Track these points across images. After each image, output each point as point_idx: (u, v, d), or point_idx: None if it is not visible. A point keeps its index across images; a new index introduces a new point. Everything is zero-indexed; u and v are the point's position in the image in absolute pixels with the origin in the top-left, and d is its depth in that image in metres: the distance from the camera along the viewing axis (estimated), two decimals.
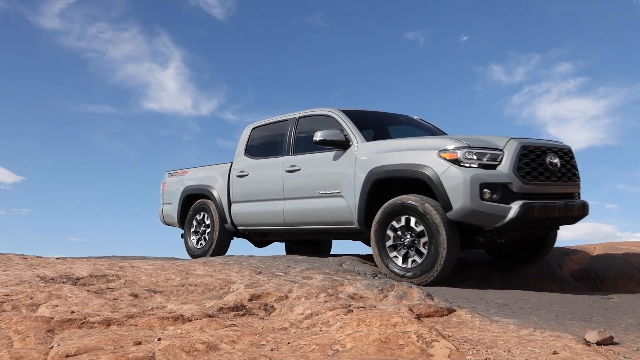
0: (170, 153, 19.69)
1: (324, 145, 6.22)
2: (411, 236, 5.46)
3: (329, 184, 6.29)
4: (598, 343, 3.17)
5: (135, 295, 4.17)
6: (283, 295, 4.17)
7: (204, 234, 8.01)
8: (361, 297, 4.17)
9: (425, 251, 5.30)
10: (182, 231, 8.51)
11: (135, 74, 19.36)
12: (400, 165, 5.57)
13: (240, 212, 7.50)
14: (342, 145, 6.19)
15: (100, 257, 7.51)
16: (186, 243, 8.27)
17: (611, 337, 3.25)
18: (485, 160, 5.17)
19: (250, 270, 4.93)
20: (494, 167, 5.18)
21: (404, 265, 5.47)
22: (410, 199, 5.44)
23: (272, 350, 3.05)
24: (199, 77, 19.74)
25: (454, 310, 3.87)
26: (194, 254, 8.00)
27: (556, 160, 5.52)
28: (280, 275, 4.70)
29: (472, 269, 6.50)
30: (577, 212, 5.66)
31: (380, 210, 5.67)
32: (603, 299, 4.79)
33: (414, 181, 5.52)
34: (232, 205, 7.62)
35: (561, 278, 6.34)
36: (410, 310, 3.70)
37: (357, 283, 4.46)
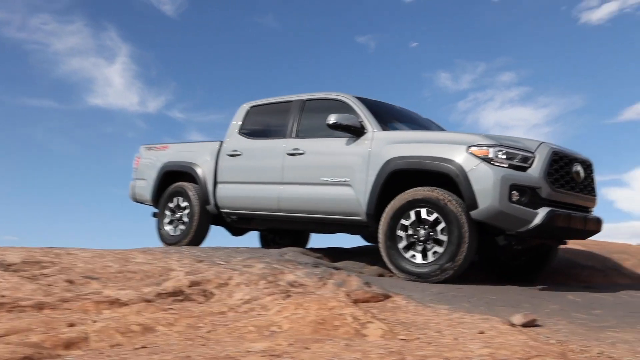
0: (115, 150, 19.22)
1: (337, 129, 5.85)
2: (426, 230, 5.17)
3: (336, 172, 5.92)
4: (522, 325, 3.34)
5: (71, 281, 4.10)
6: (223, 282, 4.18)
7: (180, 220, 7.45)
8: (301, 285, 4.22)
9: (443, 246, 5.04)
10: (155, 210, 7.92)
11: (79, 68, 18.82)
12: (423, 158, 5.28)
13: (228, 193, 7.00)
14: (357, 131, 5.84)
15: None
16: (159, 229, 7.64)
17: (535, 320, 3.43)
18: (516, 161, 4.97)
19: (191, 259, 4.91)
20: (524, 169, 4.99)
21: (416, 261, 5.19)
22: (430, 192, 5.16)
23: (209, 331, 3.07)
24: (147, 73, 19.36)
25: (390, 296, 3.98)
26: (169, 242, 7.42)
27: (581, 171, 5.42)
28: (221, 264, 4.71)
29: None
30: (594, 227, 5.53)
31: (397, 199, 5.34)
32: (531, 289, 5.02)
33: (438, 175, 5.24)
34: (218, 185, 7.10)
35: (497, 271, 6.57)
36: (348, 295, 3.79)
37: (297, 271, 4.52)
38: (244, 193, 6.81)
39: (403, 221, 5.28)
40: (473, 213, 4.93)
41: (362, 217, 5.72)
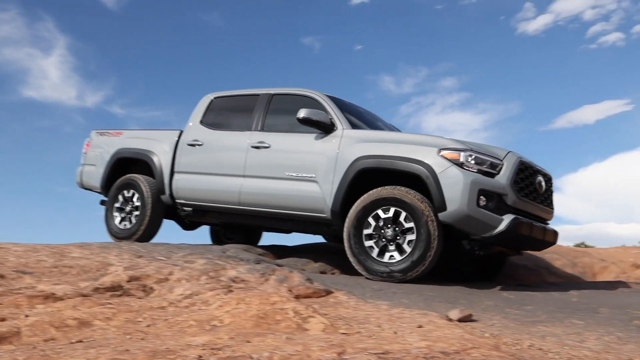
0: (50, 145, 18.52)
1: (306, 124, 5.78)
2: (395, 230, 5.17)
3: (302, 167, 5.84)
4: (459, 320, 3.44)
5: (2, 276, 3.93)
6: (163, 277, 4.11)
7: (131, 213, 7.12)
8: (242, 280, 4.21)
9: (410, 247, 5.05)
10: (103, 198, 7.56)
11: (13, 59, 18.06)
12: (393, 157, 5.29)
13: (185, 184, 6.77)
14: (326, 128, 5.79)
15: None
16: (107, 222, 7.27)
17: (470, 315, 3.53)
18: (485, 167, 5.06)
19: (130, 254, 4.81)
20: (492, 175, 5.08)
21: (382, 260, 5.17)
22: (400, 192, 5.16)
23: (148, 326, 3.02)
24: (85, 66, 18.77)
25: (332, 292, 4.02)
26: (118, 236, 7.06)
27: (543, 183, 5.59)
28: (161, 259, 4.63)
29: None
30: (551, 238, 5.69)
31: (362, 200, 5.33)
32: (468, 286, 5.17)
33: (407, 176, 5.26)
34: (176, 175, 6.88)
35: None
36: (290, 291, 3.80)
37: (239, 267, 4.50)
38: (203, 184, 6.61)
39: (370, 220, 5.27)
40: (441, 215, 4.97)
41: (326, 215, 5.66)
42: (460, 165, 4.98)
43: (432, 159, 5.09)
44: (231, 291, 3.65)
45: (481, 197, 4.92)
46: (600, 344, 3.07)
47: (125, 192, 7.21)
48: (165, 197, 6.97)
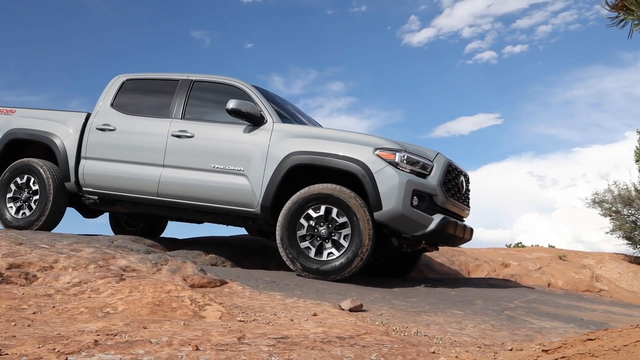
0: None
1: (236, 115, 5.58)
2: (329, 227, 5.12)
3: (229, 160, 5.62)
4: (350, 309, 3.58)
5: None
6: (48, 265, 3.91)
7: (29, 200, 6.51)
8: (133, 270, 4.09)
9: (345, 244, 5.05)
10: None
11: None
12: (329, 155, 5.23)
13: (95, 171, 6.24)
14: (256, 121, 5.63)
15: None
16: (3, 213, 6.54)
17: (361, 305, 3.69)
18: (418, 168, 5.17)
19: (9, 241, 4.50)
20: (424, 176, 5.21)
21: (317, 258, 5.11)
22: (337, 190, 5.13)
23: (34, 313, 2.88)
24: None
25: (226, 283, 4.03)
26: (15, 225, 6.40)
27: (464, 183, 5.82)
28: (45, 247, 4.38)
29: (250, 256, 6.75)
30: (468, 236, 5.90)
31: (298, 195, 5.23)
32: (356, 280, 5.36)
33: (341, 173, 5.27)
34: (83, 161, 6.35)
35: None
36: (184, 280, 3.77)
37: (130, 256, 4.37)
38: (115, 172, 6.14)
39: (302, 219, 5.20)
40: (377, 214, 5.02)
41: (255, 209, 5.52)
42: (395, 165, 5.07)
43: (367, 158, 5.12)
44: (123, 279, 3.55)
45: (414, 197, 5.05)
46: (477, 331, 3.34)
47: (20, 177, 6.59)
48: (70, 185, 6.47)
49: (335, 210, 5.10)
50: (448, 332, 3.21)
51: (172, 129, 5.98)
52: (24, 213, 6.51)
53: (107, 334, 2.41)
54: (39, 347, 2.15)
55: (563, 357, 2.38)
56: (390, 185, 4.99)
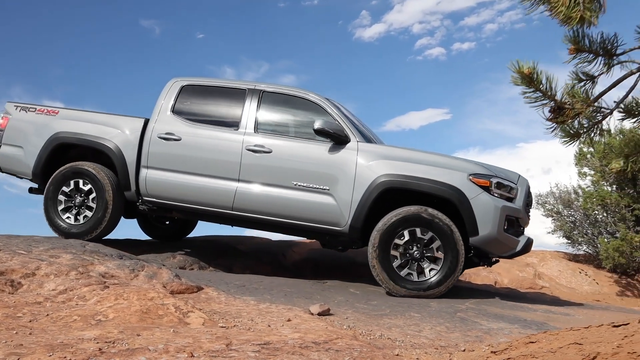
0: None
1: (322, 135, 5.61)
2: (421, 249, 5.32)
3: (313, 178, 5.62)
4: (319, 314, 3.91)
5: None
6: (30, 272, 4.08)
7: (82, 207, 6.27)
8: (112, 276, 4.31)
9: (438, 266, 5.29)
10: (33, 185, 6.71)
11: None
12: (424, 180, 5.37)
13: (160, 181, 6.07)
14: (340, 140, 5.66)
15: None
16: (51, 217, 6.26)
17: (328, 309, 4.03)
18: (507, 192, 5.39)
19: None
20: (512, 200, 5.44)
21: (410, 278, 5.32)
22: (432, 213, 5.30)
23: (30, 321, 3.09)
24: None
25: (202, 288, 4.29)
26: (72, 233, 6.14)
27: (532, 199, 6.09)
28: (23, 253, 4.54)
29: (215, 258, 6.99)
30: (530, 248, 6.05)
31: (392, 216, 5.36)
32: (320, 283, 5.71)
33: (434, 198, 5.44)
34: (144, 170, 6.14)
35: (286, 266, 7.24)
36: (164, 287, 4.02)
37: (108, 262, 4.58)
38: (184, 184, 6.00)
39: (396, 239, 5.35)
40: (472, 239, 5.28)
41: (342, 228, 5.59)
42: (489, 191, 5.32)
43: (462, 184, 5.31)
44: (107, 287, 3.78)
45: (506, 222, 5.34)
46: (434, 333, 3.72)
47: (74, 182, 6.32)
48: (130, 194, 6.29)
49: (429, 233, 5.30)
50: (408, 335, 3.58)
51: (246, 142, 5.91)
52: (78, 220, 6.27)
53: (106, 342, 2.67)
54: (50, 355, 2.39)
55: (509, 358, 2.78)
56: (487, 212, 5.24)
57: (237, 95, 6.21)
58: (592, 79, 1.79)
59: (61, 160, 6.54)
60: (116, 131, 6.34)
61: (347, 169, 5.58)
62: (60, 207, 6.28)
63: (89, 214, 6.23)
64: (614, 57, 1.73)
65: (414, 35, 24.00)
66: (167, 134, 6.14)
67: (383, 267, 5.31)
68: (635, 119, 1.79)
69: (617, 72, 1.76)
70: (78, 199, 6.28)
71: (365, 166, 5.55)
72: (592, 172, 11.72)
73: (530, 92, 1.74)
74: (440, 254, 5.29)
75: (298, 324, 3.44)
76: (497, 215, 5.25)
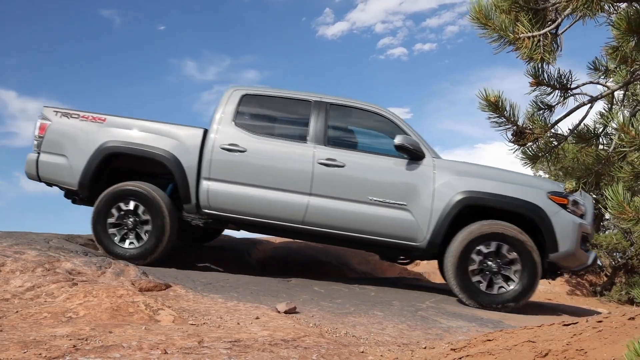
0: None
1: (402, 151, 5.60)
2: (498, 263, 5.43)
3: (390, 193, 5.61)
4: (285, 312, 4.01)
5: None
6: None
7: (135, 229, 5.90)
8: (79, 273, 4.32)
9: (515, 279, 5.37)
10: (70, 192, 6.24)
11: None
12: (505, 197, 5.49)
13: (224, 194, 5.84)
14: (417, 156, 5.67)
15: None
16: (103, 240, 5.85)
17: (295, 308, 4.13)
18: (580, 210, 5.57)
19: None
20: (583, 217, 5.61)
21: (487, 291, 5.40)
22: (511, 229, 5.40)
23: (0, 318, 3.10)
24: None
25: (170, 286, 4.34)
26: (129, 255, 5.75)
27: None
28: None
29: (179, 255, 7.00)
30: None
31: (471, 231, 5.43)
32: (285, 281, 5.80)
33: (513, 215, 5.52)
34: (205, 182, 5.88)
35: (251, 264, 7.32)
36: (133, 284, 4.05)
37: (74, 259, 4.58)
38: (250, 197, 5.80)
39: (474, 254, 5.43)
40: (553, 255, 5.43)
41: (419, 244, 5.62)
42: (566, 208, 5.49)
43: (543, 201, 5.47)
44: (75, 284, 3.80)
45: (581, 238, 5.53)
46: (396, 331, 3.87)
47: (125, 203, 5.93)
48: (189, 207, 6.02)
49: (505, 247, 5.40)
50: (372, 332, 3.72)
51: (317, 155, 5.79)
52: (132, 242, 5.92)
53: (79, 339, 2.72)
54: (25, 352, 2.44)
55: (467, 355, 2.94)
56: (566, 229, 5.41)
57: (302, 106, 6.10)
58: (550, 108, 1.98)
59: (107, 170, 6.22)
60: (173, 141, 6.04)
61: (425, 185, 5.63)
62: (111, 230, 5.91)
63: (143, 237, 5.88)
64: (569, 90, 1.92)
65: (377, 35, 24.33)
66: (230, 145, 5.90)
67: (460, 279, 5.40)
68: (586, 144, 1.98)
69: (571, 103, 1.95)
70: (130, 222, 5.93)
71: (443, 182, 5.62)
72: (547, 176, 12.13)
73: (495, 118, 1.91)
74: (518, 269, 5.39)
75: (266, 322, 3.54)
76: (576, 231, 5.45)
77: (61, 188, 6.33)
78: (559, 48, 1.77)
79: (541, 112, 1.94)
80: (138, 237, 5.90)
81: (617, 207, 1.57)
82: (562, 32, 1.75)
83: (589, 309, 7.51)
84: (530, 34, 1.64)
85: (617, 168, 1.71)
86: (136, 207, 5.90)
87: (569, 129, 2.01)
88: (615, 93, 1.97)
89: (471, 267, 5.43)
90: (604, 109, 2.03)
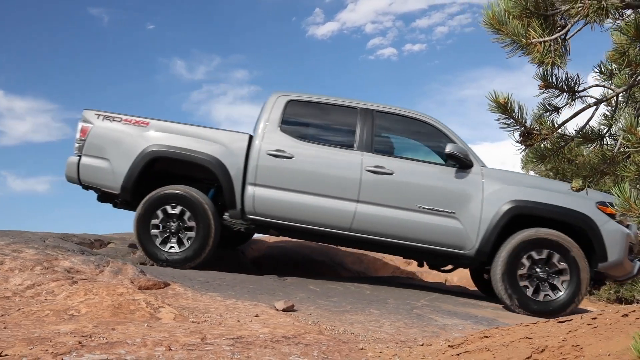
0: None
1: (452, 159, 5.69)
2: (547, 270, 5.49)
3: (439, 201, 5.67)
4: (284, 310, 4.06)
5: None
6: None
7: (178, 233, 5.92)
8: (78, 271, 4.34)
9: (563, 288, 5.43)
10: (102, 194, 6.27)
11: None
12: (554, 207, 5.56)
13: (271, 200, 5.85)
14: (465, 164, 5.75)
15: None
16: (146, 244, 5.90)
17: (292, 305, 4.18)
18: (626, 220, 5.53)
19: None
20: (629, 227, 5.68)
21: (535, 297, 5.47)
22: (562, 238, 5.48)
23: (2, 315, 3.13)
24: None
25: (169, 284, 4.37)
26: (172, 260, 5.82)
27: None
28: None
29: None
30: None
31: (521, 238, 5.50)
32: (281, 279, 5.85)
33: (562, 224, 5.59)
34: (250, 187, 5.89)
35: (245, 263, 7.35)
36: (132, 282, 4.08)
37: (72, 258, 4.59)
38: (298, 203, 5.82)
39: (524, 260, 5.51)
40: (602, 265, 5.51)
41: (467, 252, 5.69)
42: (614, 218, 5.54)
43: (592, 211, 5.54)
44: (75, 282, 3.82)
45: (628, 247, 5.62)
46: (393, 328, 3.93)
47: (168, 207, 5.94)
48: (234, 212, 6.02)
49: (557, 256, 5.48)
50: (369, 330, 3.77)
51: (365, 163, 5.83)
52: (173, 247, 5.94)
53: (82, 335, 2.74)
54: (32, 349, 2.46)
55: (465, 352, 3.00)
56: (615, 239, 5.50)
57: (348, 113, 6.13)
58: (557, 110, 2.05)
59: (149, 173, 6.19)
60: (218, 146, 6.05)
61: (474, 194, 5.70)
62: (154, 232, 5.94)
63: (185, 242, 5.92)
64: (576, 93, 1.98)
65: (367, 35, 24.48)
66: (277, 150, 5.92)
67: (510, 285, 5.46)
68: (591, 145, 2.05)
69: (577, 105, 2.02)
70: (174, 226, 5.94)
71: (492, 191, 5.69)
72: (537, 176, 12.23)
73: (504, 119, 1.97)
74: (566, 279, 5.46)
75: (266, 320, 3.58)
76: (624, 241, 5.55)
77: (97, 191, 6.35)
78: (568, 52, 1.83)
79: (548, 113, 2.01)
80: (179, 242, 5.94)
81: (624, 205, 1.64)
82: (570, 37, 1.81)
83: (579, 307, 7.61)
84: (542, 39, 1.70)
85: (622, 167, 1.78)
86: (182, 212, 5.93)
87: (574, 130, 2.09)
88: (619, 95, 2.04)
89: (520, 272, 5.50)
90: (608, 111, 2.10)
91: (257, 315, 3.68)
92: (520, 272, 5.49)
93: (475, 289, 9.07)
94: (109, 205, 6.42)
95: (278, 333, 3.16)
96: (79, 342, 2.58)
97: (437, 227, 5.68)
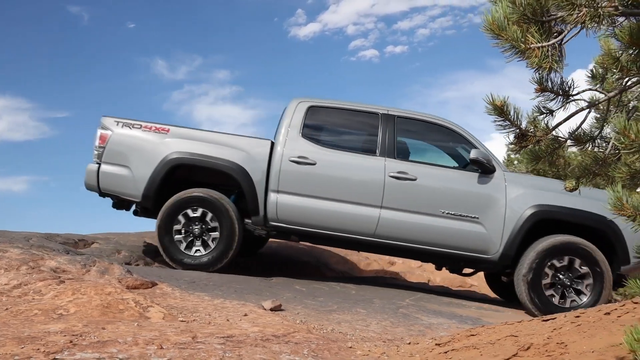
0: None
1: (476, 164, 5.70)
2: (569, 276, 5.50)
3: (462, 207, 5.69)
4: (271, 309, 4.08)
5: None
6: None
7: (202, 237, 5.91)
8: (64, 271, 4.31)
9: (587, 292, 5.43)
10: (119, 200, 6.23)
11: None
12: (578, 211, 5.59)
13: (294, 207, 5.83)
14: (488, 170, 5.76)
15: None
16: (168, 248, 5.87)
17: (280, 305, 4.20)
18: None
19: None
20: None
21: (558, 304, 5.45)
22: (584, 243, 5.49)
23: None
24: None
25: (157, 284, 4.37)
26: (196, 264, 5.81)
27: None
28: None
29: (159, 254, 6.99)
30: None
31: (545, 245, 5.50)
32: (267, 280, 5.86)
33: (585, 228, 5.63)
34: (273, 194, 5.87)
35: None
36: (120, 282, 4.07)
37: (58, 257, 4.56)
38: (322, 210, 5.82)
39: (547, 268, 5.50)
40: (625, 267, 5.56)
41: (491, 256, 5.71)
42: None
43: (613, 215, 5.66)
44: (62, 282, 3.81)
45: None
46: (380, 327, 3.98)
47: (189, 211, 5.92)
48: (257, 219, 5.98)
49: (578, 261, 5.49)
50: (357, 329, 3.81)
51: (388, 168, 5.83)
52: (200, 250, 5.93)
53: (73, 335, 2.75)
54: (23, 347, 2.46)
55: (452, 349, 3.05)
56: (634, 241, 5.43)
57: (369, 119, 6.13)
58: (551, 112, 2.11)
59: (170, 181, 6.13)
60: (239, 152, 6.03)
61: (498, 199, 5.73)
62: (177, 238, 5.91)
63: (210, 244, 5.91)
64: (570, 97, 2.05)
65: (348, 36, 24.60)
66: (299, 157, 5.90)
67: (533, 291, 5.45)
68: (584, 147, 2.12)
69: (571, 108, 2.09)
70: (197, 228, 5.92)
71: (515, 196, 5.72)
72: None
73: (500, 121, 2.03)
74: (590, 282, 5.47)
75: (255, 319, 3.60)
76: None
77: (113, 198, 6.29)
78: (563, 57, 1.90)
79: (543, 116, 2.07)
80: (205, 245, 5.92)
81: (617, 204, 1.70)
82: (565, 42, 1.88)
83: None
84: (540, 45, 1.76)
85: (613, 169, 1.85)
86: (204, 214, 5.90)
87: (568, 132, 2.16)
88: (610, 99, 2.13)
89: (544, 279, 5.51)
90: (600, 114, 2.18)
91: (245, 315, 3.71)
92: (544, 280, 5.51)
93: (459, 288, 9.17)
94: (89, 206, 6.51)
95: (268, 332, 3.19)
96: (70, 341, 2.59)
97: (461, 232, 5.71)
